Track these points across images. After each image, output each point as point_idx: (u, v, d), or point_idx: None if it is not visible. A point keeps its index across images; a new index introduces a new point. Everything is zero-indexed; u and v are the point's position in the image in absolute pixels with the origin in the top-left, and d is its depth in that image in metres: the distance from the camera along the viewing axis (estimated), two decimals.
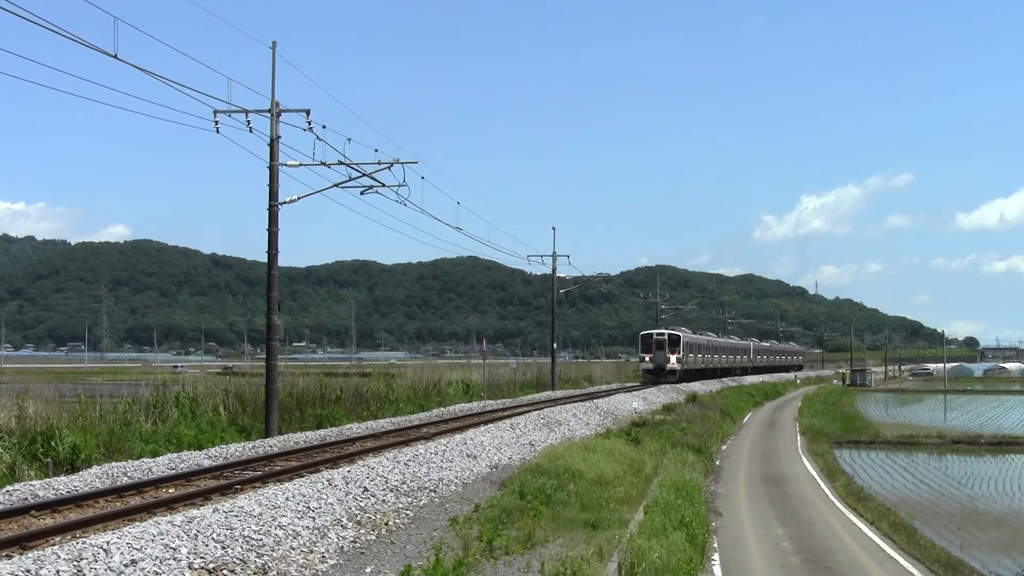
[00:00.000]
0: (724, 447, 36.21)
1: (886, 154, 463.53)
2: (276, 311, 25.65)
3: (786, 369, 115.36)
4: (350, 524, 12.86)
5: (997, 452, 40.04)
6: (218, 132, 24.39)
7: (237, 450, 20.06)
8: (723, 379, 76.17)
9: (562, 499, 15.53)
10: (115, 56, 18.65)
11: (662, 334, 63.53)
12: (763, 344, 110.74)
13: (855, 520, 21.59)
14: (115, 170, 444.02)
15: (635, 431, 28.77)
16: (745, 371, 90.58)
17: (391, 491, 15.20)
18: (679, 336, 63.51)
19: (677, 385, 58.45)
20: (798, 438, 41.41)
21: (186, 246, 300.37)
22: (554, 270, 54.50)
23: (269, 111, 25.17)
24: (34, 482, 15.00)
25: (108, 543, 9.60)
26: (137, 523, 11.22)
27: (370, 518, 13.47)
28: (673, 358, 62.11)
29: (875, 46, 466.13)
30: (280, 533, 11.44)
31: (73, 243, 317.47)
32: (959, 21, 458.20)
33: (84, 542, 9.67)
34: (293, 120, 25.41)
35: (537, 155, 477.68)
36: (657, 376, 61.74)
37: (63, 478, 15.65)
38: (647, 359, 62.98)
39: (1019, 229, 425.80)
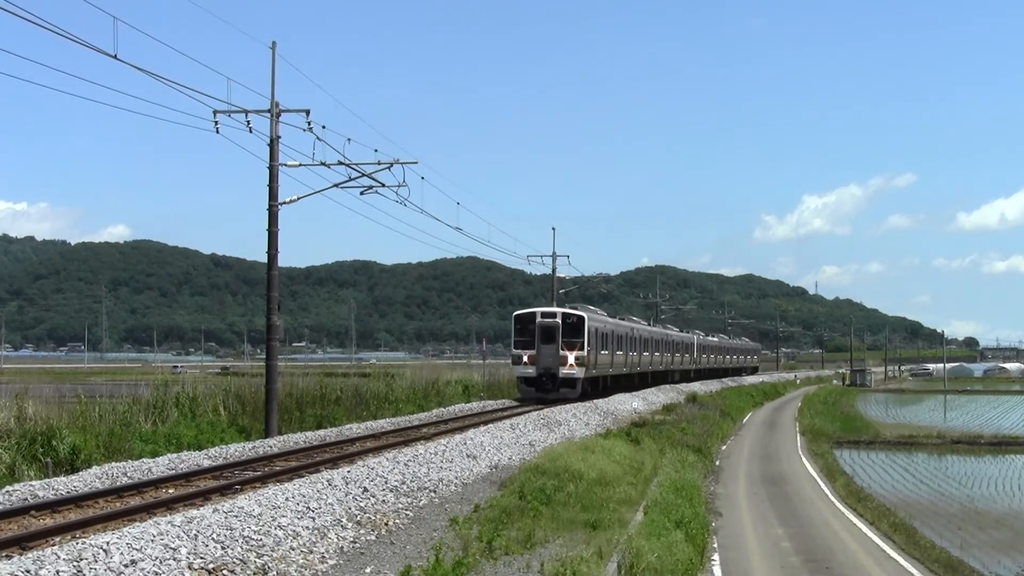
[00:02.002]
0: (724, 447, 36.23)
1: (889, 154, 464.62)
2: (276, 311, 25.65)
3: (737, 372, 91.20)
4: (350, 524, 12.85)
5: (997, 452, 40.09)
6: (218, 132, 24.40)
7: (237, 450, 20.05)
8: (664, 385, 54.56)
9: (562, 499, 15.51)
10: (115, 56, 18.66)
11: (552, 315, 37.40)
12: (711, 340, 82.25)
13: (855, 520, 21.61)
14: (115, 170, 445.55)
15: (635, 431, 28.76)
16: (687, 375, 66.96)
17: (391, 491, 15.19)
18: (582, 319, 37.27)
19: (677, 385, 57.43)
20: (798, 438, 41.42)
21: (186, 246, 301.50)
22: (554, 270, 54.46)
23: (269, 111, 25.17)
24: (34, 482, 15.00)
25: (108, 543, 9.59)
26: (137, 523, 11.21)
27: (370, 518, 13.47)
28: (572, 357, 36.66)
29: (877, 46, 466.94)
30: (280, 533, 11.43)
31: (73, 243, 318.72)
32: (959, 21, 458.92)
33: (84, 542, 9.67)
34: (293, 120, 25.44)
35: (537, 155, 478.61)
36: (543, 389, 36.83)
37: (63, 478, 15.64)
38: (525, 359, 36.93)
39: (1020, 229, 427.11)
